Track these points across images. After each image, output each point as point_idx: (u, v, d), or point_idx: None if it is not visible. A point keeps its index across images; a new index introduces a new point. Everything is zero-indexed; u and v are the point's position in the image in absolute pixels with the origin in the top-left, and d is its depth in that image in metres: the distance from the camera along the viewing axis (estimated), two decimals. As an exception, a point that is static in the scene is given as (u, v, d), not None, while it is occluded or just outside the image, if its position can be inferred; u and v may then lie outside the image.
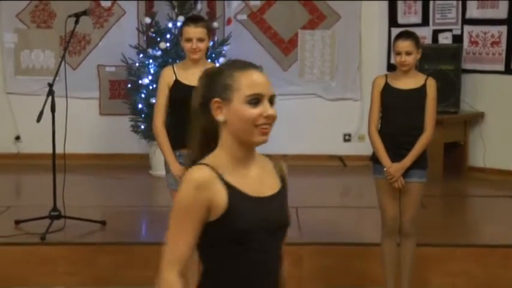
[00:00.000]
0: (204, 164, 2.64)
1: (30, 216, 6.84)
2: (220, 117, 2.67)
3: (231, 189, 2.61)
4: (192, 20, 5.60)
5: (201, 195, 2.58)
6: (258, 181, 2.69)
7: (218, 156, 2.67)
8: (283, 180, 2.78)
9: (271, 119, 2.65)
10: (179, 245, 2.67)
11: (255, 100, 2.62)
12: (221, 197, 2.59)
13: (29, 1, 9.87)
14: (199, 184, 2.59)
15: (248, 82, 2.65)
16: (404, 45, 5.47)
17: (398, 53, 5.49)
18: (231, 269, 2.64)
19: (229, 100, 2.65)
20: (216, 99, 2.68)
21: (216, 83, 2.71)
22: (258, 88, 2.64)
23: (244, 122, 2.62)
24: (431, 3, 9.52)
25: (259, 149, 7.80)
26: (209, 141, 2.73)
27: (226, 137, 2.67)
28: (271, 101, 2.68)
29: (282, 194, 2.75)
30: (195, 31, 5.45)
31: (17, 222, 6.84)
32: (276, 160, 2.82)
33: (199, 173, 2.61)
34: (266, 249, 2.65)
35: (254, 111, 2.61)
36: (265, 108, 2.63)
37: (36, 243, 6.43)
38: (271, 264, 2.70)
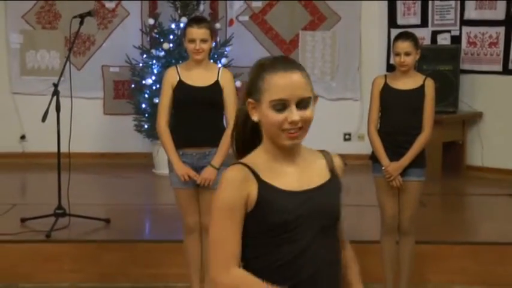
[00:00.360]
0: (239, 163, 2.65)
1: (35, 214, 6.85)
2: (255, 117, 2.66)
3: (263, 185, 2.62)
4: (196, 21, 5.60)
5: (239, 194, 2.59)
6: (298, 176, 2.68)
7: (257, 154, 2.69)
8: (333, 172, 2.79)
9: (295, 124, 2.59)
10: (230, 245, 2.62)
11: (279, 106, 2.59)
12: (253, 192, 2.60)
13: (34, 2, 9.87)
14: (235, 183, 2.60)
15: (273, 86, 2.61)
16: (404, 46, 5.48)
17: (398, 54, 5.50)
18: (267, 261, 2.64)
19: (260, 102, 2.63)
20: (250, 100, 2.66)
21: (251, 82, 2.70)
22: (282, 93, 2.59)
23: (271, 126, 2.61)
24: (430, 4, 9.52)
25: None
26: (253, 138, 2.73)
27: (264, 135, 2.68)
28: (303, 103, 2.61)
29: (327, 186, 2.75)
30: (198, 32, 5.45)
31: (23, 220, 6.85)
32: (328, 154, 2.83)
33: (234, 172, 2.62)
34: (307, 240, 2.64)
35: (278, 117, 2.59)
36: (290, 113, 2.58)
37: (41, 241, 6.44)
38: (316, 255, 2.67)
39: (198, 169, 5.49)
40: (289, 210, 2.62)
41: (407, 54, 5.47)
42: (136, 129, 9.26)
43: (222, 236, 2.62)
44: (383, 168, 5.50)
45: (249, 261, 2.67)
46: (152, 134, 8.68)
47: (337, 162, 2.85)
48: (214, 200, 2.65)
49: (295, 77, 2.62)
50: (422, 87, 5.53)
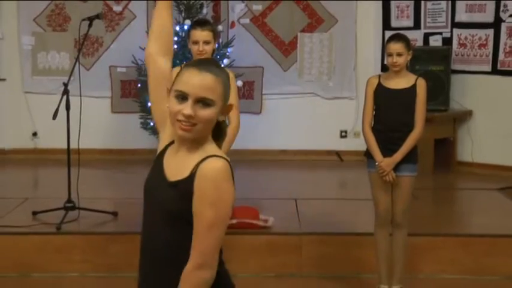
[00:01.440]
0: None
1: (46, 207, 6.86)
2: (166, 103, 2.71)
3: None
4: (199, 23, 5.61)
5: None
6: (173, 166, 2.74)
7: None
8: (191, 175, 2.64)
9: (188, 118, 2.60)
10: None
11: (180, 96, 2.62)
12: None
13: (45, 6, 9.88)
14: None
15: (182, 79, 2.64)
16: (396, 47, 5.48)
17: (390, 55, 5.50)
18: None
19: (170, 90, 2.68)
20: (168, 87, 2.72)
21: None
22: (185, 87, 2.61)
23: (170, 113, 2.66)
24: (422, 7, 9.52)
25: (253, 142, 7.72)
26: None
27: None
28: (203, 102, 2.61)
29: (180, 184, 2.67)
30: (201, 34, 5.46)
31: (34, 213, 6.86)
32: (205, 160, 2.64)
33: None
34: (147, 223, 2.86)
35: (176, 107, 2.62)
36: (185, 106, 2.60)
37: (52, 233, 6.45)
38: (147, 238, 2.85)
39: (201, 165, 5.49)
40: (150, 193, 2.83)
41: (399, 55, 5.47)
42: (142, 127, 9.26)
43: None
44: (377, 164, 5.50)
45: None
46: (157, 131, 8.68)
47: (202, 169, 2.62)
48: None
49: (205, 77, 2.62)
50: (414, 87, 5.53)
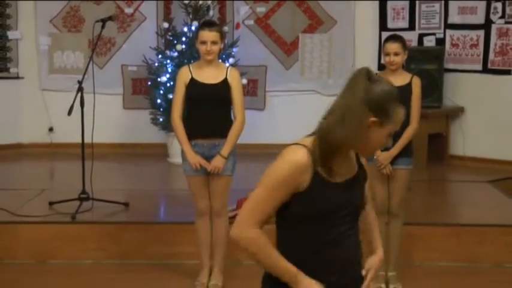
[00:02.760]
0: (304, 146, 2.65)
1: (62, 198, 6.88)
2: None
3: (316, 175, 2.62)
4: (207, 24, 5.60)
5: (296, 177, 2.59)
6: (343, 168, 2.69)
7: (315, 141, 2.66)
8: (359, 163, 2.80)
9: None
10: (263, 210, 2.63)
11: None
12: (307, 179, 2.60)
13: (61, 8, 9.88)
14: (299, 167, 2.60)
15: (398, 119, 2.70)
16: (393, 47, 5.48)
17: (387, 54, 5.50)
18: (307, 244, 2.67)
19: (378, 124, 2.67)
20: (372, 119, 2.64)
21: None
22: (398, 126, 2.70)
23: (373, 141, 2.70)
24: (417, 10, 9.51)
25: (257, 137, 7.70)
26: None
27: None
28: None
29: (358, 175, 2.76)
30: (209, 35, 5.45)
31: (51, 203, 6.87)
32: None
33: (300, 157, 2.61)
34: (344, 226, 2.70)
35: (384, 140, 2.72)
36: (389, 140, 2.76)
37: (67, 222, 6.46)
38: (349, 240, 2.74)
39: (209, 158, 5.50)
40: (332, 199, 2.63)
41: (396, 54, 5.47)
42: (153, 122, 9.26)
43: (264, 198, 2.62)
44: (374, 157, 5.50)
45: (291, 243, 2.68)
46: (167, 126, 8.68)
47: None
48: (273, 169, 2.63)
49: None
50: (409, 85, 5.53)
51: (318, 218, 2.64)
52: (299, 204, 2.62)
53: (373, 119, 2.61)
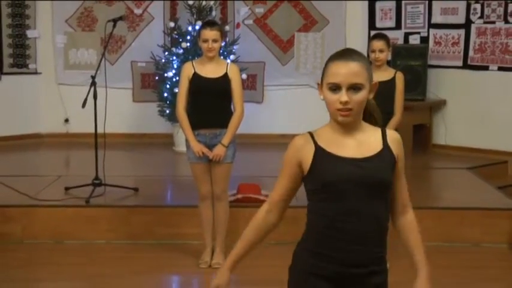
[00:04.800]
0: (308, 132, 2.71)
1: (77, 183, 6.89)
2: (321, 96, 2.66)
3: (319, 149, 2.63)
4: (209, 24, 5.60)
5: (296, 154, 2.66)
6: (355, 147, 2.63)
7: (324, 127, 2.70)
8: (385, 145, 2.68)
9: (345, 104, 2.56)
10: (275, 190, 2.76)
11: (333, 87, 2.58)
12: (309, 155, 2.63)
13: (75, 9, 9.87)
14: (295, 146, 2.67)
15: (331, 72, 2.59)
16: (378, 44, 5.48)
17: (373, 51, 5.50)
18: (320, 215, 2.66)
19: (322, 84, 2.64)
20: (318, 81, 2.68)
21: (323, 69, 2.67)
22: (336, 78, 2.56)
23: (328, 105, 2.62)
24: (403, 10, 9.50)
25: (256, 127, 7.74)
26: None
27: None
28: (353, 87, 2.57)
29: (377, 157, 2.64)
30: (210, 33, 5.45)
31: (67, 188, 6.88)
32: (384, 129, 2.75)
33: (297, 138, 2.69)
34: (352, 202, 2.59)
35: (332, 97, 2.58)
36: (340, 95, 2.56)
37: (81, 206, 6.47)
38: (361, 216, 2.61)
39: (211, 147, 5.52)
40: (337, 172, 2.59)
41: (381, 51, 5.47)
42: (160, 114, 9.26)
43: (279, 177, 2.73)
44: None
45: (309, 220, 2.72)
46: (173, 117, 8.68)
47: (391, 135, 2.74)
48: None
49: (351, 65, 2.57)
50: (393, 79, 5.53)
51: (324, 192, 2.61)
52: (308, 179, 2.66)
53: (317, 82, 2.69)
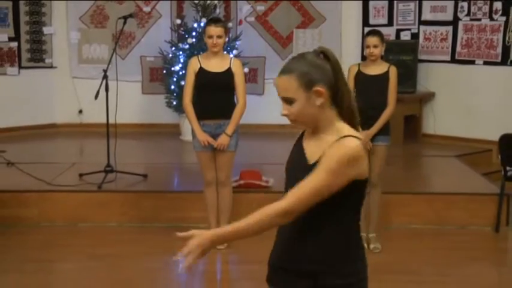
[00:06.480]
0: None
1: (90, 170, 6.89)
2: None
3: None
4: (213, 21, 5.59)
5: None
6: (311, 151, 2.42)
7: None
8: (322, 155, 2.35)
9: (286, 116, 2.43)
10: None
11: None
12: None
13: (88, 7, 9.85)
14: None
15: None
16: (372, 40, 5.46)
17: (368, 46, 5.48)
18: None
19: None
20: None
21: None
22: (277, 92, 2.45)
23: None
24: (395, 8, 9.47)
25: (257, 118, 7.69)
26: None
27: None
28: (286, 101, 2.40)
29: (311, 168, 2.35)
30: (215, 30, 5.44)
31: (81, 175, 6.89)
32: (339, 138, 2.35)
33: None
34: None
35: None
36: (283, 108, 2.43)
37: (94, 191, 6.48)
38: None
39: (215, 136, 5.51)
40: (287, 173, 2.52)
41: (375, 46, 5.45)
42: (167, 105, 9.25)
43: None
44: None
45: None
46: (179, 109, 8.67)
47: (332, 144, 2.33)
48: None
49: (279, 80, 2.43)
50: (387, 73, 5.52)
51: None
52: None
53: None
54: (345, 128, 2.39)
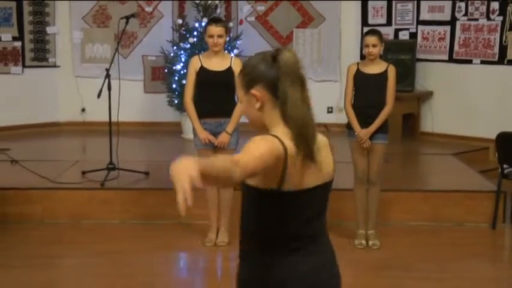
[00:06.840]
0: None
1: (92, 168, 6.89)
2: None
3: None
4: (214, 21, 5.59)
5: None
6: None
7: None
8: None
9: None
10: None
11: None
12: None
13: (91, 7, 9.85)
14: None
15: None
16: (371, 39, 5.46)
17: (367, 46, 5.48)
18: None
19: None
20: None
21: None
22: None
23: None
24: (393, 8, 9.48)
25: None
26: None
27: None
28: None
29: None
30: (216, 29, 5.44)
31: (83, 172, 6.88)
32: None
33: None
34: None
35: None
36: None
37: (97, 188, 6.48)
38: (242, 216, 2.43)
39: (216, 134, 5.52)
40: None
41: (374, 46, 5.45)
42: (169, 104, 9.25)
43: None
44: (356, 133, 5.50)
45: None
46: (181, 107, 8.68)
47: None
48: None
49: None
50: (386, 72, 5.52)
51: None
52: None
53: None
54: (279, 132, 2.23)
